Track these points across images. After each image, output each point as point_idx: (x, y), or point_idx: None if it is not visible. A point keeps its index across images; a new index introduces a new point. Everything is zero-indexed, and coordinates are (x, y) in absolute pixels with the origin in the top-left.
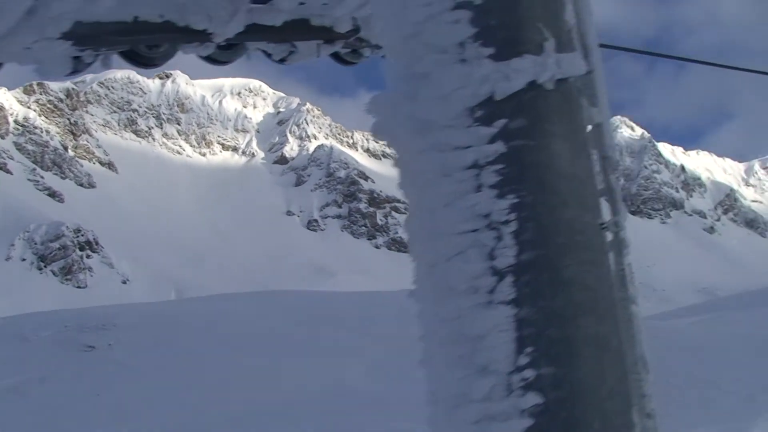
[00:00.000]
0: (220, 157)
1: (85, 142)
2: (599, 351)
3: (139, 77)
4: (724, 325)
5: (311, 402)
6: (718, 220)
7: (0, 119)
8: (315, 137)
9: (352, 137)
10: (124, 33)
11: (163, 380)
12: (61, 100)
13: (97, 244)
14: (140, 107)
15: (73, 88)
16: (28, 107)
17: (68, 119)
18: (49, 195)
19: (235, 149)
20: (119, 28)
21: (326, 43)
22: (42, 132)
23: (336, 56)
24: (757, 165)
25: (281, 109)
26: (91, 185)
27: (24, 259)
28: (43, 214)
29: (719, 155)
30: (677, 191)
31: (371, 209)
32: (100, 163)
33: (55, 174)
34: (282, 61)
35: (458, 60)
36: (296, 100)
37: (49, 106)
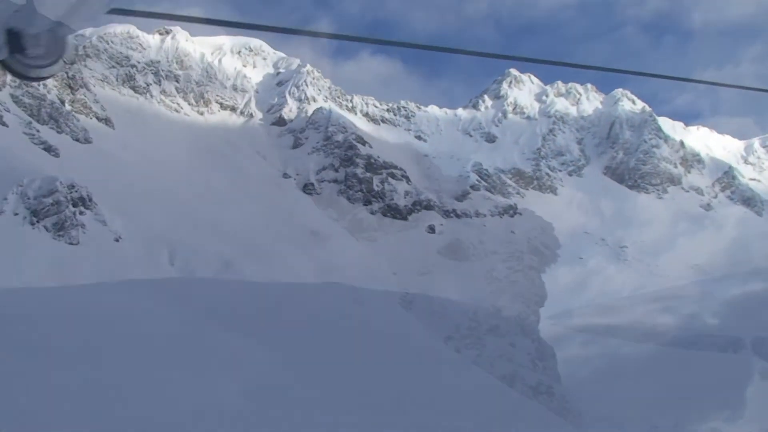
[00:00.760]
0: (218, 116)
1: (83, 97)
2: None
3: (139, 32)
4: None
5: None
6: (715, 197)
7: None
8: (314, 100)
9: (351, 101)
10: None
11: None
12: None
13: (90, 200)
14: (139, 63)
15: (72, 42)
16: None
17: (66, 73)
18: (44, 149)
19: (233, 109)
20: None
21: None
22: (39, 85)
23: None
24: (756, 143)
25: (281, 70)
26: (87, 140)
27: (17, 214)
28: (38, 168)
29: (720, 132)
30: (675, 167)
31: (368, 174)
32: (97, 118)
33: (52, 128)
34: None
35: None
36: (297, 61)
37: None
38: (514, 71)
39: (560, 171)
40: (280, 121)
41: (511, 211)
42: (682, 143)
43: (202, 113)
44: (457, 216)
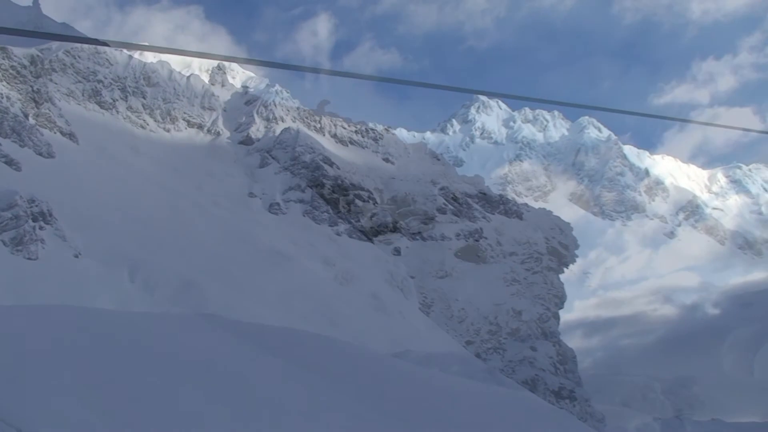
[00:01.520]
0: (184, 133)
1: (47, 111)
2: None
3: (106, 48)
4: None
5: None
6: (679, 225)
7: None
8: (282, 119)
9: (319, 122)
10: None
11: None
12: (24, 67)
13: (51, 215)
14: (105, 78)
15: (38, 55)
16: None
17: (31, 86)
18: (5, 162)
19: (200, 127)
20: None
21: None
22: (2, 98)
23: None
24: (720, 173)
25: (250, 89)
26: (50, 155)
27: None
28: None
29: (684, 161)
30: (640, 195)
31: (335, 195)
32: (61, 132)
33: (14, 141)
34: None
35: None
36: (266, 81)
37: (11, 71)
38: (482, 97)
39: (526, 196)
40: (248, 140)
41: (476, 235)
42: (647, 171)
43: (168, 130)
44: (423, 239)
